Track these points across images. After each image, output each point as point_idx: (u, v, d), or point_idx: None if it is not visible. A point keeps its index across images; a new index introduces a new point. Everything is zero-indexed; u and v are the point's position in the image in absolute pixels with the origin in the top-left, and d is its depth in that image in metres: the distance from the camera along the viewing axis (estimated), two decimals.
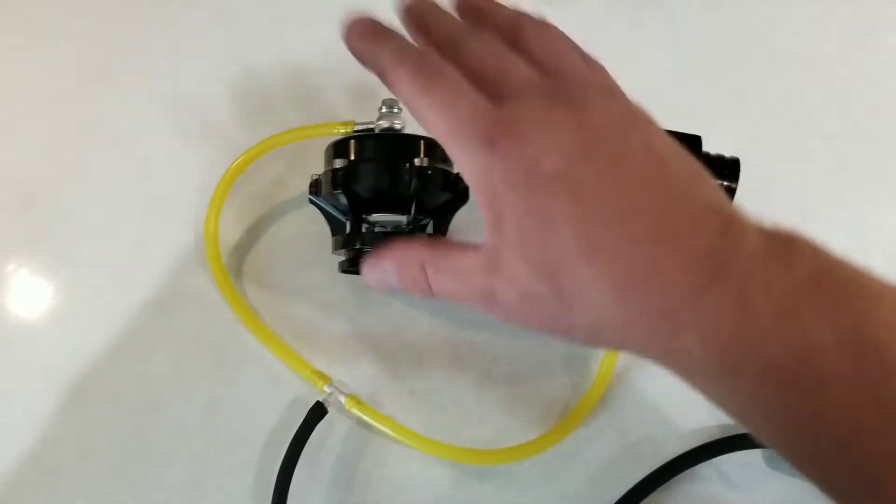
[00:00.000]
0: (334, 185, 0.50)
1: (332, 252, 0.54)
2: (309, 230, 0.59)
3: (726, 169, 0.55)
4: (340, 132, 0.55)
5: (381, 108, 0.54)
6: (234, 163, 0.57)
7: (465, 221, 0.59)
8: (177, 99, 0.64)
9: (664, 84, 0.64)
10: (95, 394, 0.55)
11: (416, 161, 0.50)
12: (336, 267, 0.55)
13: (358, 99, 0.63)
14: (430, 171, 0.50)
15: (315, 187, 0.53)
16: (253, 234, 0.59)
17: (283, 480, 0.50)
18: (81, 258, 0.59)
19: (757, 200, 0.59)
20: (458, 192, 0.54)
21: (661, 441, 0.54)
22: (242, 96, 0.64)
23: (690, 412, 0.54)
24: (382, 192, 0.51)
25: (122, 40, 0.67)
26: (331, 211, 0.54)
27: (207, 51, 0.66)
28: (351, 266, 0.53)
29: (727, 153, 0.55)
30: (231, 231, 0.59)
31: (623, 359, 0.55)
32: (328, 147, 0.53)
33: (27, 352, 0.56)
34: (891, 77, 0.65)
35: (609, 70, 0.40)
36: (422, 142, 0.52)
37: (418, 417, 0.54)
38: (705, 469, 0.52)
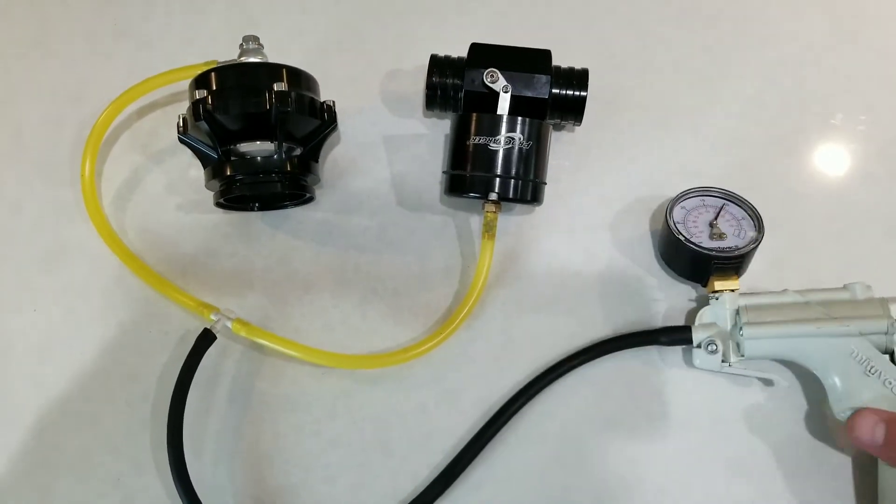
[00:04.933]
0: (196, 117, 0.52)
1: (206, 185, 0.55)
2: (188, 175, 0.61)
3: (575, 79, 0.59)
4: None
5: (241, 45, 0.56)
6: (102, 113, 0.58)
7: (345, 156, 0.62)
8: (47, 58, 0.64)
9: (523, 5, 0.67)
10: None
11: (276, 87, 0.52)
12: (217, 207, 0.57)
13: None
14: (291, 96, 0.52)
15: (183, 125, 0.55)
16: (132, 184, 0.60)
17: (176, 407, 0.51)
18: None
19: (611, 111, 0.63)
20: (325, 119, 0.56)
21: (540, 337, 0.57)
22: (112, 54, 0.64)
23: (568, 314, 0.58)
24: (245, 119, 0.53)
25: None
26: (201, 148, 0.55)
27: (77, 13, 0.66)
28: (223, 196, 0.55)
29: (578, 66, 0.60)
30: (111, 183, 0.60)
31: (496, 266, 0.58)
32: (190, 82, 0.54)
33: None
34: None
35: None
36: (283, 69, 0.54)
37: (308, 338, 0.56)
38: (590, 369, 0.55)
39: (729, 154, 0.62)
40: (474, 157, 0.54)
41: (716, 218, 0.56)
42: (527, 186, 0.55)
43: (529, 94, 0.57)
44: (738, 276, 0.55)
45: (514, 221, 0.60)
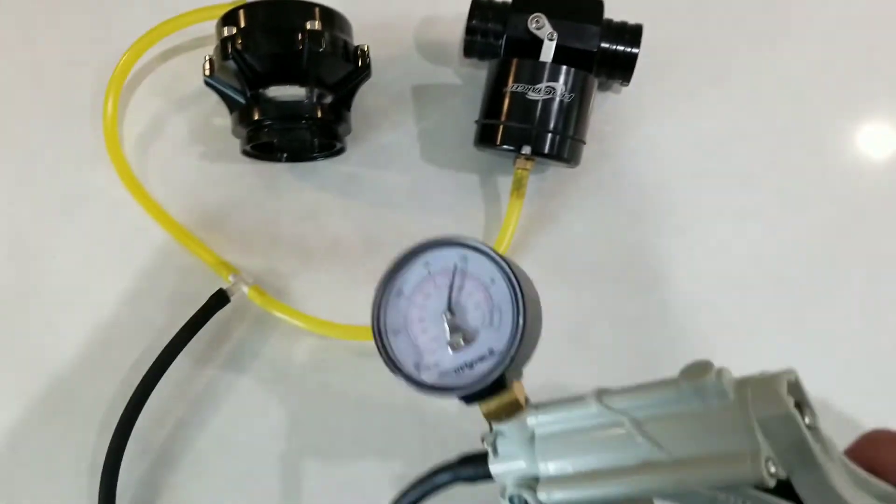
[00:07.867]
0: (224, 56, 0.49)
1: (232, 131, 0.53)
2: (213, 123, 0.58)
3: (628, 34, 0.55)
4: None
5: None
6: (125, 54, 0.55)
7: (375, 107, 0.58)
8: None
9: None
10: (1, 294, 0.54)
11: (309, 25, 0.49)
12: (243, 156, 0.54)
13: None
14: (324, 36, 0.49)
15: (209, 67, 0.52)
16: (156, 129, 0.58)
17: (166, 357, 0.50)
18: None
19: (662, 71, 0.59)
20: (358, 64, 0.53)
21: (573, 310, 0.54)
22: None
23: (613, 282, 0.54)
24: (275, 60, 0.50)
25: None
26: (228, 92, 0.53)
27: None
28: (250, 143, 0.52)
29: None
30: (134, 128, 0.57)
31: (531, 228, 0.55)
32: (218, 21, 0.51)
33: None
34: None
35: None
36: (317, 8, 0.51)
37: (331, 301, 0.54)
38: None
39: (790, 119, 0.58)
40: (510, 105, 0.51)
41: (450, 299, 0.33)
42: (564, 143, 0.51)
43: (576, 45, 0.53)
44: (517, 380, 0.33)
45: (551, 180, 0.57)
